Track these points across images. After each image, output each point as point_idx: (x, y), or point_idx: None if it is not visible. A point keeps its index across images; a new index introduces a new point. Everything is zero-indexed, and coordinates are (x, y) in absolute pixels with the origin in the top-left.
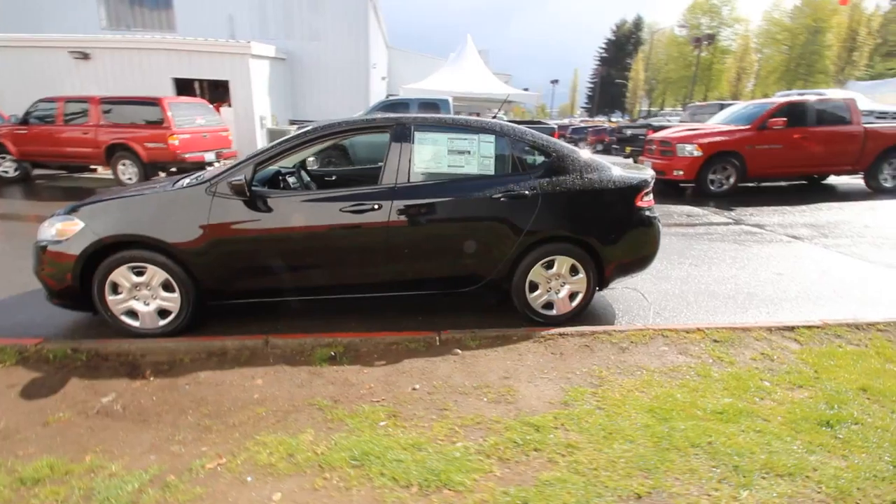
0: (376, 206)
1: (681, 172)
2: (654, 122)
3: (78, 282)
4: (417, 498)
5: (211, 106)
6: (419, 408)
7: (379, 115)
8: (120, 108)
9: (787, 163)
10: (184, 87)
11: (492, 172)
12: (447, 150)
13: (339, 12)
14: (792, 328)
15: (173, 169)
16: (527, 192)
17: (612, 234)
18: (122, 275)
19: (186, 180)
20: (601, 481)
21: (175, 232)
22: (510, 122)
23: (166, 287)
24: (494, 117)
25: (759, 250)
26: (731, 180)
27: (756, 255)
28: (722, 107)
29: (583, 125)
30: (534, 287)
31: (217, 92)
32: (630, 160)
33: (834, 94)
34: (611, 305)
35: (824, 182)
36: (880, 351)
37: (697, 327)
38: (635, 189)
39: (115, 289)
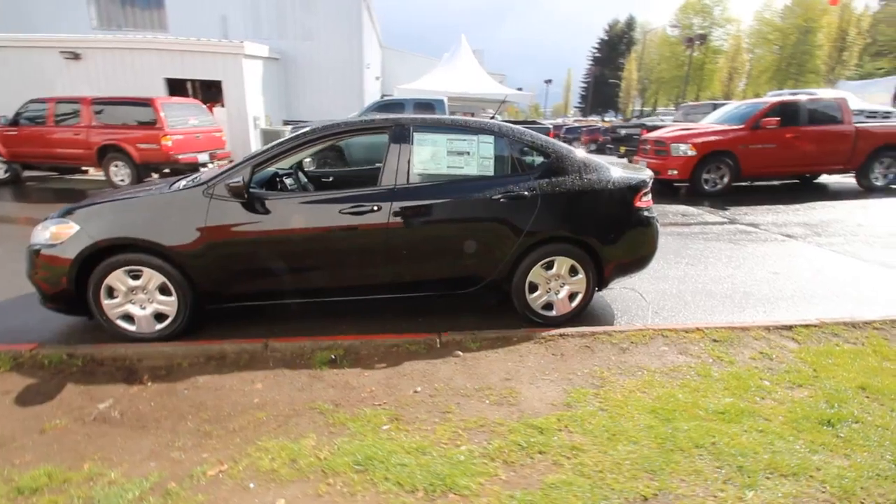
0: (375, 208)
1: (675, 172)
2: (648, 121)
3: (73, 286)
4: (423, 503)
5: (204, 106)
6: (421, 411)
7: (378, 116)
8: (112, 109)
9: (780, 162)
10: (176, 87)
11: (491, 173)
12: (446, 150)
13: (333, 12)
14: (790, 327)
15: (166, 170)
16: (526, 193)
17: (611, 235)
18: (117, 278)
19: (183, 182)
20: (607, 483)
21: (172, 235)
22: (505, 122)
23: (163, 290)
24: (492, 118)
25: (755, 249)
26: (725, 180)
27: (751, 254)
28: (715, 106)
29: (576, 125)
30: (533, 288)
31: (210, 92)
32: (624, 160)
33: (825, 93)
34: (609, 306)
35: (816, 181)
36: (877, 349)
37: (697, 327)
38: (634, 189)
39: (111, 293)
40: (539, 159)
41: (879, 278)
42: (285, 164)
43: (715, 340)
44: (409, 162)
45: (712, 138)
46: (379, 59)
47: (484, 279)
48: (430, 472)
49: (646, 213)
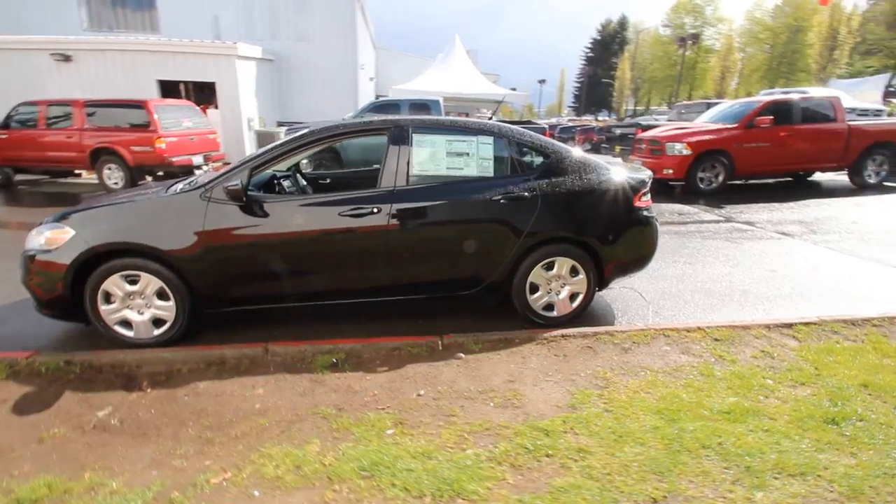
0: (375, 210)
1: (670, 171)
2: (643, 120)
3: (69, 291)
4: None
5: (198, 108)
6: (426, 414)
7: (374, 117)
8: (104, 112)
9: (774, 160)
10: (169, 89)
11: (491, 174)
12: (445, 152)
13: (327, 13)
14: (790, 325)
15: (160, 173)
16: (526, 194)
17: (611, 235)
18: (114, 284)
19: (180, 185)
20: (616, 486)
21: (169, 239)
22: (501, 122)
23: (161, 295)
24: (491, 118)
25: (751, 247)
26: (720, 178)
27: (748, 252)
28: (709, 105)
29: (571, 124)
30: (534, 289)
31: (203, 94)
32: (619, 159)
33: (817, 92)
34: (609, 305)
35: (809, 179)
36: (877, 346)
37: (698, 326)
38: (634, 189)
39: (108, 298)
40: (538, 160)
41: (875, 275)
42: (283, 166)
43: (716, 339)
44: (408, 163)
45: (707, 137)
46: (373, 60)
47: (485, 280)
48: (437, 477)
49: (645, 213)
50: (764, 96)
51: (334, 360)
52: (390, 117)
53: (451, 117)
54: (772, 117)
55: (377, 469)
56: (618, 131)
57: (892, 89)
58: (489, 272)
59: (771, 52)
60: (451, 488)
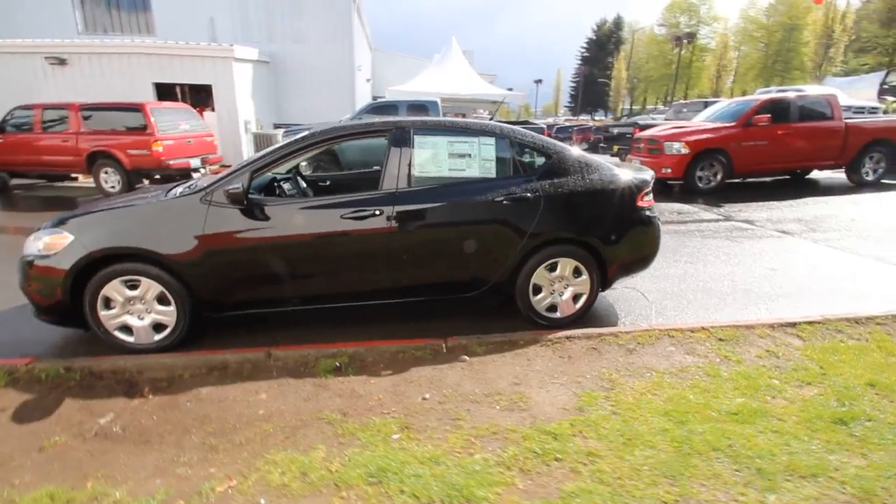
0: (377, 212)
1: (669, 170)
2: (641, 120)
3: (68, 297)
4: None
5: (194, 111)
6: (431, 418)
7: (372, 119)
8: (101, 115)
9: (772, 159)
10: (165, 92)
11: (493, 175)
12: (447, 153)
13: (323, 14)
14: (793, 324)
15: (157, 176)
16: (529, 195)
17: (614, 235)
18: (114, 289)
19: (179, 189)
20: (627, 490)
21: (170, 243)
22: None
23: (161, 300)
24: (491, 119)
25: (751, 246)
26: (719, 177)
27: (748, 250)
28: (706, 104)
29: (567, 124)
30: (537, 290)
31: (199, 96)
32: (616, 159)
33: (813, 90)
34: (612, 306)
35: (807, 177)
36: (881, 345)
37: (702, 326)
38: (636, 189)
39: (108, 303)
40: (540, 160)
41: (876, 273)
42: (283, 168)
43: (721, 339)
44: (410, 165)
45: (705, 136)
46: (369, 62)
47: (488, 282)
48: (445, 483)
49: (648, 213)
50: (761, 95)
51: (337, 364)
52: (391, 119)
53: (452, 118)
54: (769, 116)
55: (384, 475)
56: (615, 131)
57: (886, 87)
58: (492, 274)
59: (766, 50)
60: (460, 494)
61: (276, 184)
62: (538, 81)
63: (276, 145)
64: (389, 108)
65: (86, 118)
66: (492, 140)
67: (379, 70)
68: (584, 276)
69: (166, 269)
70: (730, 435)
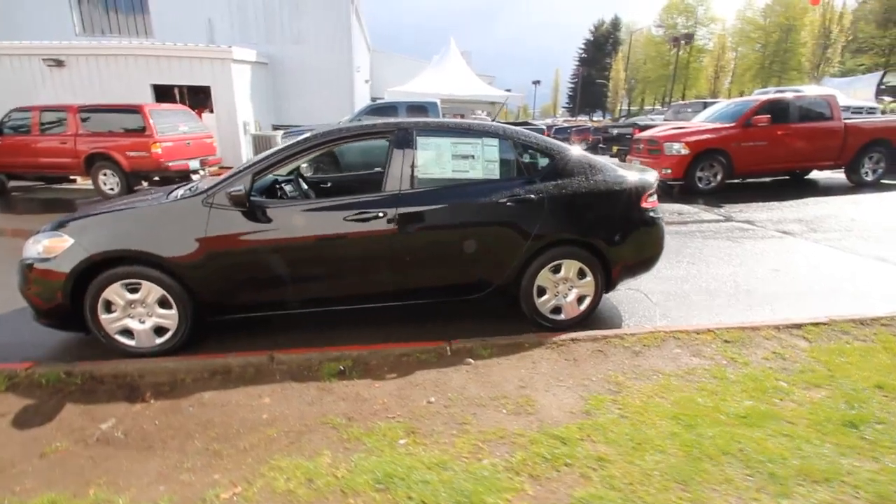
0: (380, 214)
1: (669, 171)
2: (640, 120)
3: (68, 300)
4: None
5: (193, 112)
6: (437, 423)
7: (371, 120)
8: (99, 117)
9: (772, 159)
10: (163, 93)
11: (496, 176)
12: (451, 154)
13: (321, 15)
14: (799, 326)
15: (156, 178)
16: (533, 196)
17: (618, 236)
18: (115, 292)
19: (180, 191)
20: (639, 497)
21: (171, 246)
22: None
23: (162, 304)
24: (494, 120)
25: (753, 246)
26: (719, 177)
27: (750, 251)
28: (706, 105)
29: (566, 125)
30: (541, 292)
31: (198, 98)
32: (615, 160)
33: (811, 90)
34: (616, 307)
35: (806, 177)
36: (887, 346)
37: (708, 328)
38: (641, 190)
39: (109, 307)
40: (544, 161)
41: (878, 273)
42: (285, 170)
43: (727, 341)
44: (413, 166)
45: (705, 137)
46: (368, 63)
47: (492, 284)
48: (454, 490)
49: (652, 214)
50: (759, 95)
51: (341, 368)
52: (392, 120)
53: (454, 119)
54: (769, 116)
55: (392, 481)
56: (614, 131)
57: (883, 87)
58: (497, 275)
59: (763, 51)
60: (469, 501)
61: (277, 186)
62: (536, 82)
63: (279, 147)
64: (389, 109)
65: (84, 120)
66: (495, 141)
67: (377, 71)
68: (589, 278)
69: (168, 273)
70: (740, 439)
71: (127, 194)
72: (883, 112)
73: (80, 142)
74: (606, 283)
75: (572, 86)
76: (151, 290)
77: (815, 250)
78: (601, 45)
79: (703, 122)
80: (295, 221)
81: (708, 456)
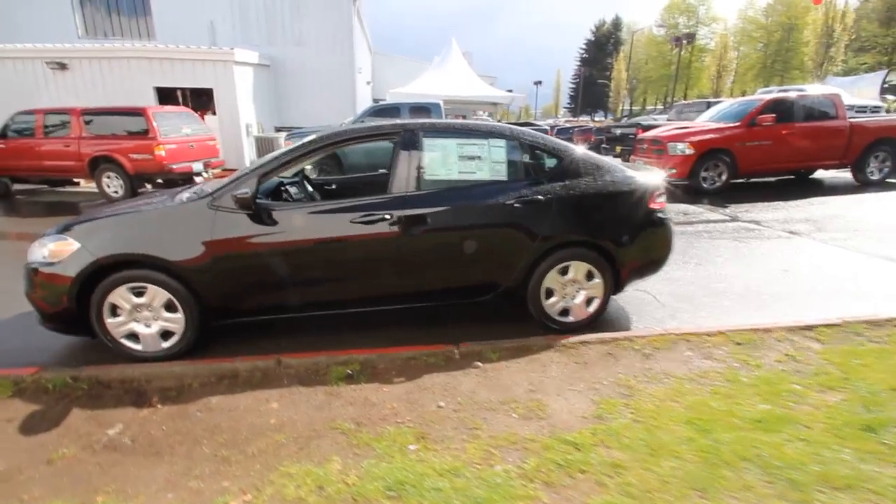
0: (387, 216)
1: (674, 171)
2: (643, 120)
3: (74, 304)
4: None
5: (196, 115)
6: (448, 428)
7: (374, 122)
8: (102, 120)
9: (777, 159)
10: (166, 96)
11: (504, 178)
12: (457, 155)
13: (323, 17)
14: (811, 327)
15: (160, 180)
16: (541, 197)
17: (627, 238)
18: (121, 296)
19: (186, 194)
20: None
21: (177, 249)
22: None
23: (169, 307)
24: (499, 121)
25: (760, 247)
26: (723, 177)
27: (757, 251)
28: (709, 105)
29: (568, 125)
30: (550, 293)
31: (200, 100)
32: (619, 160)
33: (815, 89)
34: (623, 309)
35: (812, 177)
36: None
37: (719, 330)
38: (649, 191)
39: (115, 311)
40: (552, 162)
41: (886, 272)
42: (290, 172)
43: (738, 343)
44: (419, 168)
45: (710, 136)
46: (369, 64)
47: (500, 286)
48: (468, 497)
49: (660, 215)
50: (763, 94)
51: (349, 372)
52: (398, 121)
53: (461, 120)
54: (773, 116)
55: (403, 488)
56: (617, 131)
57: (887, 86)
58: (504, 277)
59: (765, 50)
60: None
61: (282, 188)
62: (538, 83)
63: (284, 149)
64: (392, 110)
65: (87, 123)
66: (502, 142)
67: (379, 72)
68: (597, 280)
69: (174, 276)
70: (757, 444)
71: (131, 197)
72: (888, 111)
73: (83, 145)
74: (615, 284)
75: (574, 86)
76: (157, 294)
77: (823, 250)
78: (602, 46)
79: (706, 121)
80: (301, 224)
81: (725, 462)
